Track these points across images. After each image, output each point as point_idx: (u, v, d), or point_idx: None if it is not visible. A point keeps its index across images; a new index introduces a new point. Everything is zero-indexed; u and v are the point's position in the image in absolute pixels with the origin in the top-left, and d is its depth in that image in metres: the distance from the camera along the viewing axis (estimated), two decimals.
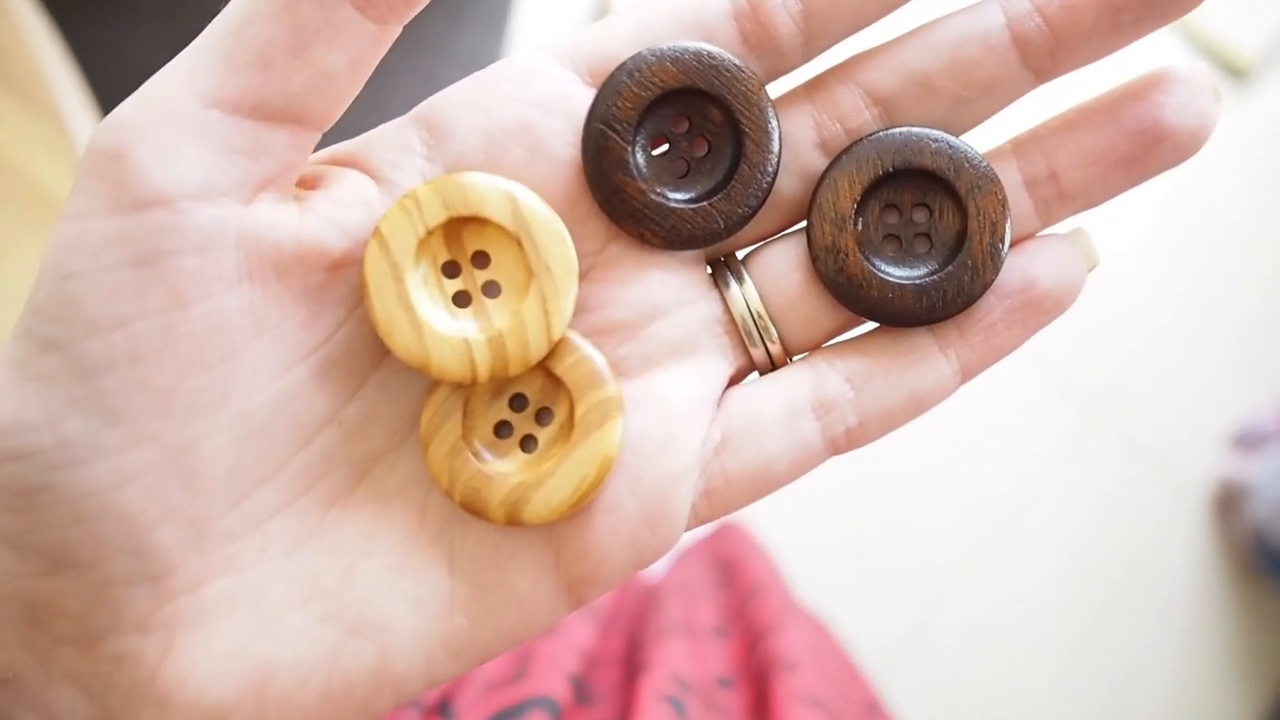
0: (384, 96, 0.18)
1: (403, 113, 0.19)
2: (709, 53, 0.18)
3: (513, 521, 0.18)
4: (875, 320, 0.19)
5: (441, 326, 0.18)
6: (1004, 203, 0.19)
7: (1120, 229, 1.06)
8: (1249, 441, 1.02)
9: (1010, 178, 0.19)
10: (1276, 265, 1.08)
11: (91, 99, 0.41)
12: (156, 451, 0.16)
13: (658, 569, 0.59)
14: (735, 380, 0.20)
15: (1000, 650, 0.99)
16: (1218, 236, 1.08)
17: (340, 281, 0.18)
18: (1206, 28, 1.10)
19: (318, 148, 0.18)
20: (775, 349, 0.19)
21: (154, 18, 0.43)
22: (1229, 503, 1.02)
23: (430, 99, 0.19)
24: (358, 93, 0.18)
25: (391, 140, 0.18)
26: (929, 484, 1.01)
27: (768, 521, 0.86)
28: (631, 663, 0.38)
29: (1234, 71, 1.11)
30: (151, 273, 0.16)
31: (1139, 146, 0.18)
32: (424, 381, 0.19)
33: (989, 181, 0.19)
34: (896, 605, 0.98)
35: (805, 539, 0.96)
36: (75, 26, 0.42)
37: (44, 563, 0.16)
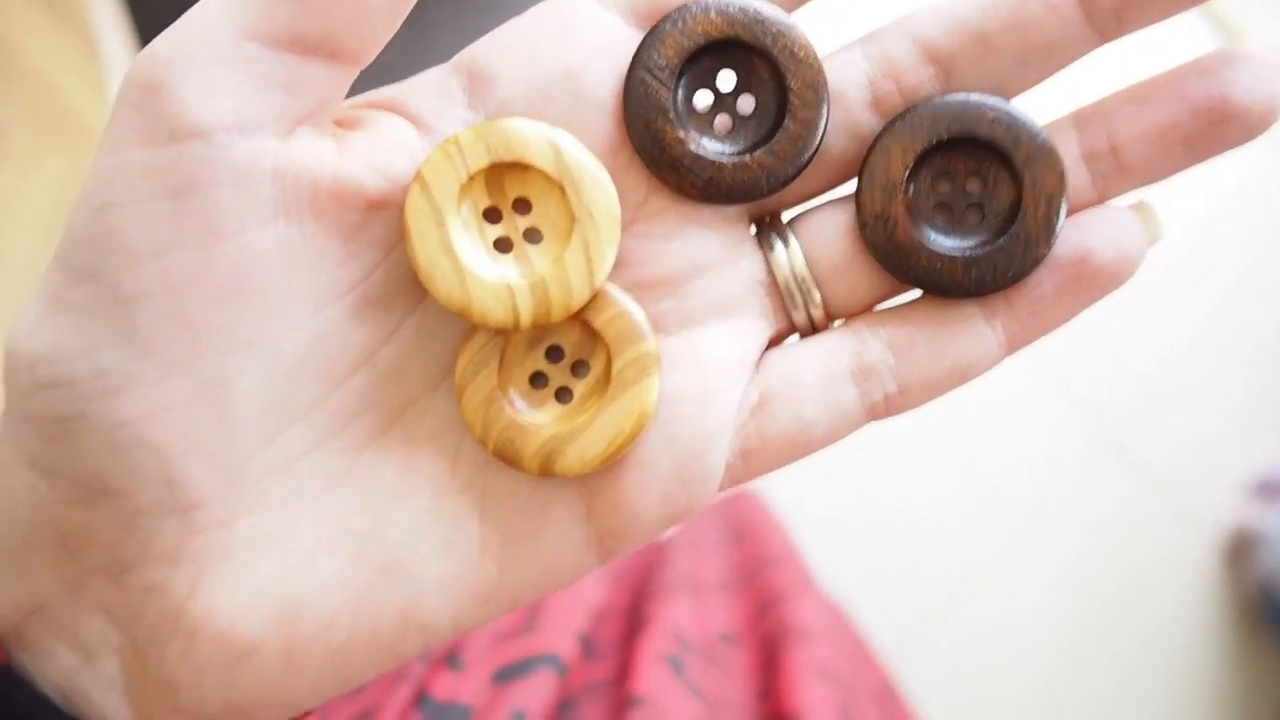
0: (428, 52, 0.18)
1: None
2: (756, 6, 0.18)
3: (546, 472, 0.18)
4: (922, 289, 0.19)
5: (484, 271, 0.18)
6: (1061, 176, 0.18)
7: (1158, 256, 1.04)
8: (1268, 490, 1.01)
9: (1068, 150, 0.18)
10: None
11: (130, 20, 0.41)
12: (189, 384, 0.16)
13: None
14: (775, 342, 0.20)
15: (997, 658, 0.99)
16: (1250, 274, 1.06)
17: (376, 223, 0.18)
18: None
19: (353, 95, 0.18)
20: (817, 313, 0.19)
21: None
22: (1241, 550, 1.00)
23: (471, 46, 0.18)
24: (394, 32, 0.17)
25: (432, 88, 0.18)
26: (946, 487, 1.01)
27: (778, 510, 0.86)
28: (634, 617, 0.38)
29: None
30: (188, 205, 0.16)
31: (1204, 124, 0.18)
32: (460, 327, 0.19)
33: (1047, 153, 0.18)
34: (899, 601, 0.99)
35: (817, 524, 0.96)
36: None
37: (76, 491, 0.16)
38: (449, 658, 0.32)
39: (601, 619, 0.38)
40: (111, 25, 0.40)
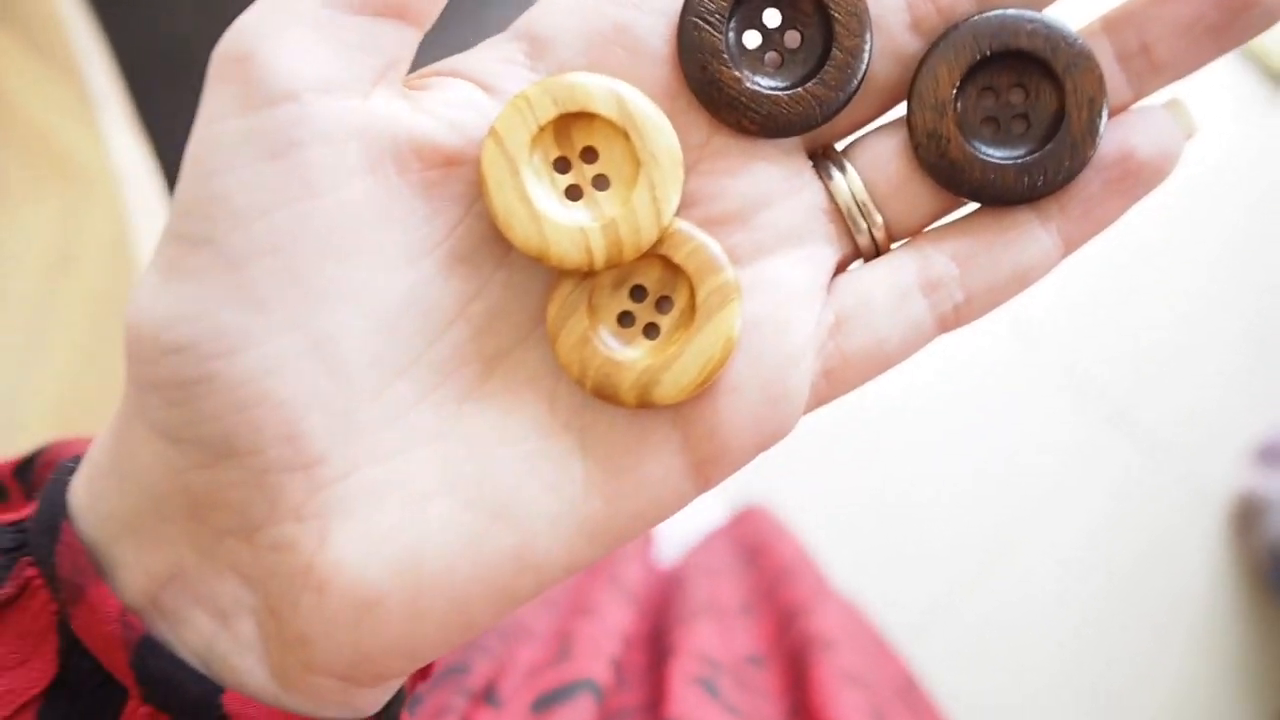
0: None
1: None
2: None
3: (644, 403, 0.19)
4: (979, 201, 0.20)
5: (558, 216, 0.18)
6: (1101, 79, 0.19)
7: (1146, 227, 1.06)
8: (1271, 455, 1.02)
9: (1102, 54, 0.19)
10: None
11: (115, 61, 0.42)
12: (303, 339, 0.17)
13: (677, 555, 0.59)
14: (840, 268, 0.20)
15: (1012, 639, 0.99)
16: (1244, 242, 1.08)
17: (455, 179, 0.18)
18: None
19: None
20: (880, 235, 0.20)
21: None
22: (1248, 516, 1.01)
23: (526, 14, 0.19)
24: None
25: (494, 54, 0.19)
26: (950, 472, 1.01)
27: (791, 500, 0.86)
28: (658, 646, 0.39)
29: (1273, 77, 1.10)
30: (285, 164, 0.17)
31: (1228, 14, 0.19)
32: (544, 279, 0.19)
33: (1085, 59, 0.19)
34: (913, 588, 0.99)
35: (827, 521, 0.96)
36: None
37: (205, 454, 0.17)
38: (487, 694, 0.33)
39: (629, 647, 0.38)
40: (100, 69, 0.41)
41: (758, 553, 0.54)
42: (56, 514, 0.18)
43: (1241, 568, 1.02)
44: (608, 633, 0.37)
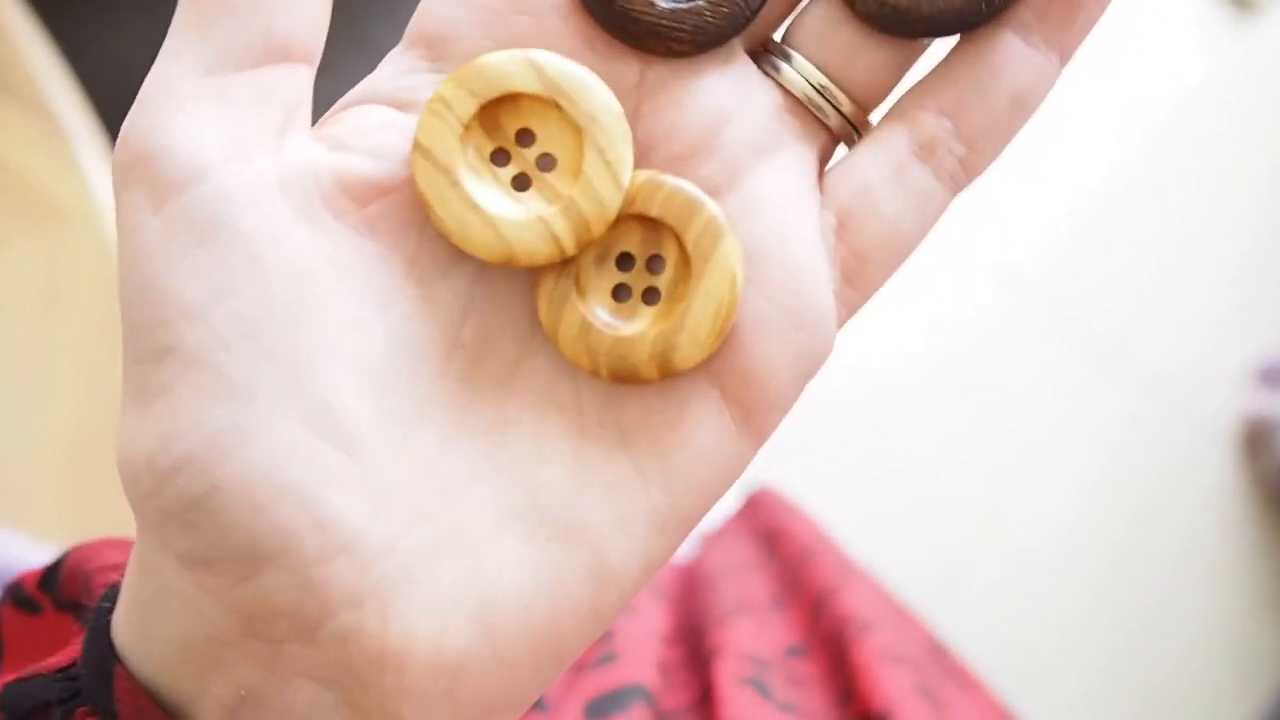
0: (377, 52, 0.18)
1: None
2: None
3: (667, 372, 0.17)
4: (938, 35, 0.18)
5: (512, 213, 0.17)
6: None
7: (1123, 167, 1.05)
8: (1272, 377, 1.00)
9: None
10: None
11: (82, 95, 0.43)
12: (298, 417, 0.16)
13: (691, 553, 0.58)
14: (823, 162, 0.19)
15: (1030, 594, 0.98)
16: (1221, 172, 1.06)
17: (395, 207, 0.17)
18: None
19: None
20: (850, 111, 0.18)
21: (136, 12, 0.45)
22: (1256, 439, 1.00)
23: (413, 18, 0.18)
24: (328, 16, 0.18)
25: (395, 69, 0.18)
26: (951, 435, 1.00)
27: (796, 480, 0.85)
28: (696, 645, 0.38)
29: (1241, 4, 1.09)
30: (220, 244, 0.16)
31: None
32: (526, 281, 0.18)
33: None
34: (926, 554, 0.98)
35: (833, 495, 0.95)
36: (59, 24, 0.43)
37: (240, 568, 0.16)
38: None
39: (667, 645, 0.38)
40: (71, 107, 0.43)
41: (775, 539, 0.53)
42: (105, 657, 0.17)
43: (1254, 492, 1.01)
44: (647, 634, 0.37)
